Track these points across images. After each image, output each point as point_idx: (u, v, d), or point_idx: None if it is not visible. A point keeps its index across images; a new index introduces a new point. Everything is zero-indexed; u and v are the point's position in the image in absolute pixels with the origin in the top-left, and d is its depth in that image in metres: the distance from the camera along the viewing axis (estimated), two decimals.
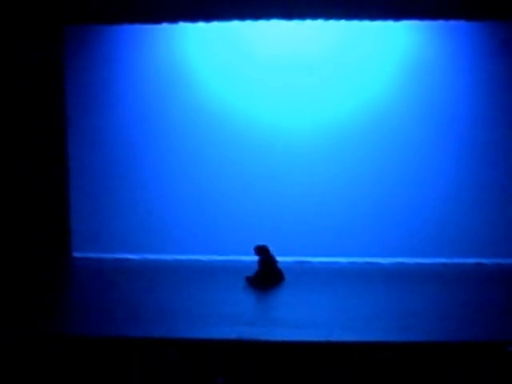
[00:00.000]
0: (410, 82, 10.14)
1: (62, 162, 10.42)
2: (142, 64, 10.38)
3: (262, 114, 10.31)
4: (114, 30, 10.29)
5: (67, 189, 10.48)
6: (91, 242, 10.41)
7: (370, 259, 10.14)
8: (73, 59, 10.36)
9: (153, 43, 10.34)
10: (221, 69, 10.30)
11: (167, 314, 7.39)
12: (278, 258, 9.09)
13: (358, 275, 9.49)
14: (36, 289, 8.55)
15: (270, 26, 10.06)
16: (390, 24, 9.92)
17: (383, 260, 10.14)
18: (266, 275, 8.85)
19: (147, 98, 10.41)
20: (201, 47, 10.32)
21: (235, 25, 10.05)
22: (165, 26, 10.06)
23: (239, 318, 7.20)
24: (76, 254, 10.50)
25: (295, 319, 7.17)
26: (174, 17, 9.88)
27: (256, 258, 8.99)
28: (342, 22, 9.92)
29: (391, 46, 10.14)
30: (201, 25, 10.04)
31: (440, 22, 9.86)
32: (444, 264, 10.00)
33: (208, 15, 9.78)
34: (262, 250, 8.98)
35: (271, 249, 9.03)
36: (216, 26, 10.08)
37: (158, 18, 9.92)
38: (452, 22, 9.84)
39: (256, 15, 9.79)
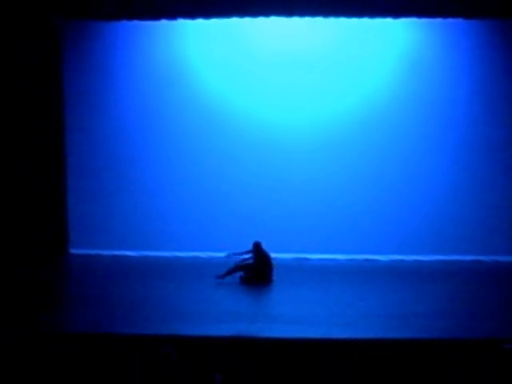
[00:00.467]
0: (409, 79, 10.14)
1: (60, 159, 10.41)
2: (141, 61, 10.38)
3: (261, 111, 10.31)
4: (113, 26, 10.28)
5: (65, 186, 10.48)
6: (89, 239, 10.40)
7: (368, 256, 10.14)
8: (71, 56, 10.35)
9: (152, 40, 10.34)
10: (220, 65, 10.30)
11: (165, 310, 7.38)
12: (277, 255, 9.07)
13: (357, 272, 9.49)
14: (33, 285, 8.53)
15: (270, 23, 10.06)
16: (389, 21, 9.92)
17: (382, 257, 10.15)
18: (260, 271, 8.77)
19: (146, 95, 10.40)
20: (200, 44, 10.32)
21: (234, 22, 10.04)
22: (164, 22, 10.05)
23: (238, 315, 7.20)
24: (73, 251, 10.50)
25: (294, 316, 7.17)
26: (172, 13, 9.87)
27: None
28: (342, 20, 9.91)
29: (390, 44, 10.15)
30: (200, 21, 10.03)
31: (439, 20, 9.86)
32: (442, 261, 10.00)
33: (207, 12, 9.77)
34: (255, 246, 8.89)
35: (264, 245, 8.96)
36: (215, 23, 10.08)
37: (156, 15, 9.91)
38: (451, 20, 9.85)
39: (255, 12, 9.79)
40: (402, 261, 10.09)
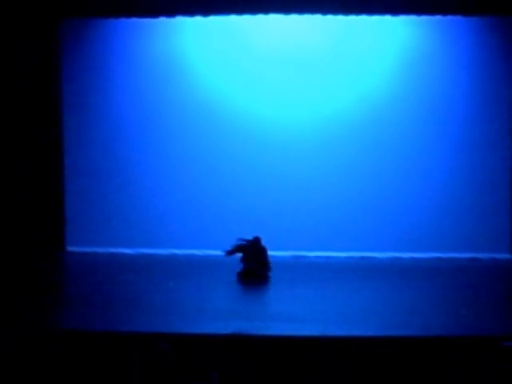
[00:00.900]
0: (408, 76, 10.14)
1: (58, 157, 10.39)
2: (140, 59, 10.36)
3: (260, 108, 10.30)
4: (111, 24, 10.26)
5: (62, 183, 10.46)
6: (86, 237, 10.39)
7: (365, 254, 10.15)
8: (69, 54, 10.33)
9: (150, 37, 10.32)
10: (219, 63, 10.29)
11: (162, 308, 7.37)
12: (275, 253, 9.07)
13: (354, 270, 9.49)
14: (30, 284, 8.52)
15: (268, 20, 10.05)
16: (388, 19, 9.92)
17: (379, 254, 10.15)
18: (257, 268, 8.76)
19: (144, 93, 10.39)
20: (198, 41, 10.31)
21: (233, 19, 10.04)
22: (162, 19, 10.04)
23: (235, 313, 7.20)
24: (71, 249, 10.49)
25: (291, 314, 7.15)
26: (171, 10, 9.86)
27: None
28: (340, 17, 9.91)
29: (389, 41, 10.14)
30: (198, 19, 10.02)
31: (438, 17, 9.86)
32: (439, 258, 10.00)
33: (205, 9, 9.76)
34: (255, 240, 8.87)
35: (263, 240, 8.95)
36: (214, 20, 10.06)
37: (155, 12, 9.90)
38: (450, 18, 9.84)
39: (254, 9, 9.78)
40: (399, 258, 10.09)
